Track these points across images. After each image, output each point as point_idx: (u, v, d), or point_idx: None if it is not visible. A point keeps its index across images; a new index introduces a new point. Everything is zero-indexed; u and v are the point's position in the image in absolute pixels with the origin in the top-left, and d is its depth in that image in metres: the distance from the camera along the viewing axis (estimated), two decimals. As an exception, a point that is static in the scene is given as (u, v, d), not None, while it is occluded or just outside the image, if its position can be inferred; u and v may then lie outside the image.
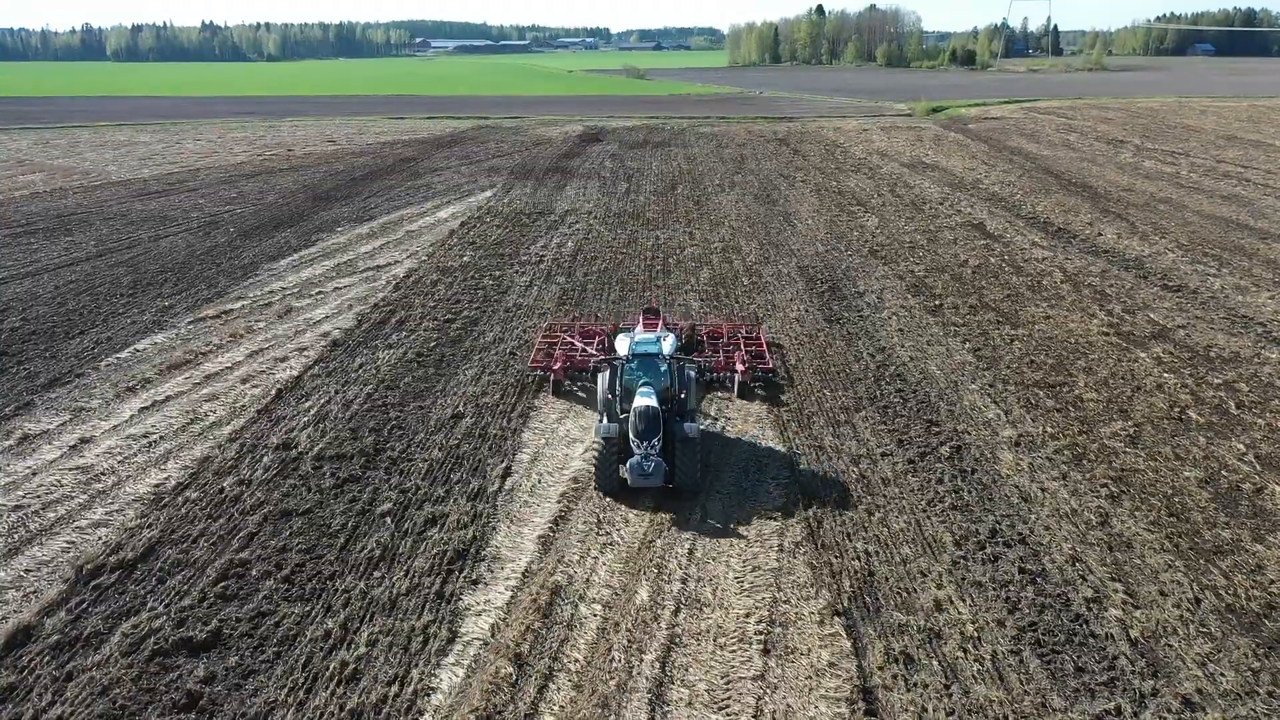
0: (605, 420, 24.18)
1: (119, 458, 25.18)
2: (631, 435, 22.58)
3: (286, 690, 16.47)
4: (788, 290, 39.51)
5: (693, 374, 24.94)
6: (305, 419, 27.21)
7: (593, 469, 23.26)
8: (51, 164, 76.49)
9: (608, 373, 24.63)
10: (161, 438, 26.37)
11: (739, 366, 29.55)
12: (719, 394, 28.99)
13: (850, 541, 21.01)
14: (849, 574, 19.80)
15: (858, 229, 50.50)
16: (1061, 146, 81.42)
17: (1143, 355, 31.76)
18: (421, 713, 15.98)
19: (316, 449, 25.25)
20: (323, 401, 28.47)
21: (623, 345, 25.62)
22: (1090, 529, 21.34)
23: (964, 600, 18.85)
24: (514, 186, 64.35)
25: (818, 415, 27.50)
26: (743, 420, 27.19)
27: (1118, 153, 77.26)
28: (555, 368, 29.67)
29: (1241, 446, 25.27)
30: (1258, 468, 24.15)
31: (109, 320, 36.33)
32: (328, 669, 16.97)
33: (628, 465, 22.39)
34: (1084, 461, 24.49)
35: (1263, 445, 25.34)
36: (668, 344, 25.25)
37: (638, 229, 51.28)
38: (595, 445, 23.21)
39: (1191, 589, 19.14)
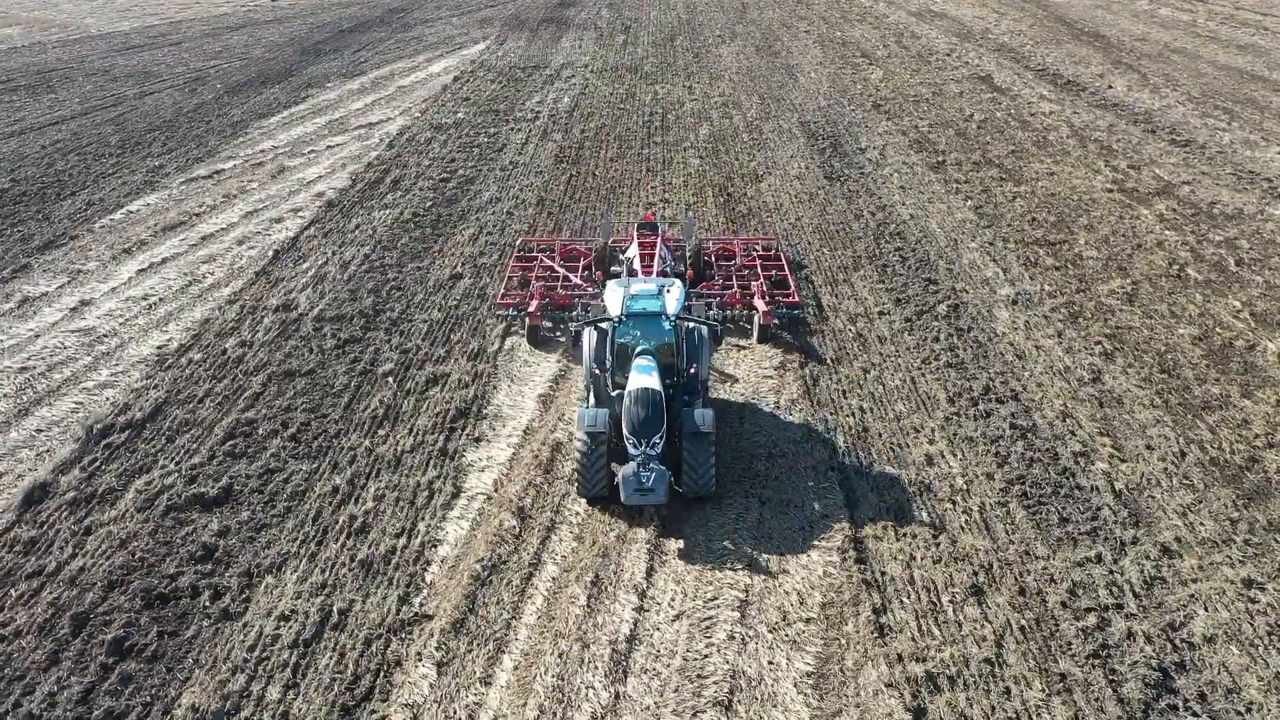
0: (591, 401, 18.84)
1: (120, 320, 25.32)
2: (625, 429, 17.41)
3: (298, 543, 17.11)
4: (788, 147, 38.79)
5: (705, 334, 19.19)
6: (304, 280, 27.20)
7: (575, 473, 18.11)
8: (27, 16, 73.70)
9: (595, 336, 19.00)
10: (161, 300, 26.44)
11: (760, 306, 23.93)
12: (734, 340, 23.80)
13: (845, 399, 21.37)
14: (843, 430, 20.24)
15: (861, 82, 49.15)
16: (1076, -7, 78.27)
17: (1145, 212, 31.48)
18: (429, 563, 16.64)
19: (316, 310, 25.35)
20: (320, 263, 28.39)
21: (614, 299, 19.51)
22: (1082, 385, 21.68)
23: (954, 454, 19.33)
24: (507, 39, 62.23)
25: (816, 274, 27.48)
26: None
27: (1134, -1, 74.37)
28: (530, 309, 23.89)
29: (1238, 304, 25.37)
30: (1252, 325, 24.32)
31: (99, 181, 35.80)
32: (337, 523, 17.57)
33: (620, 476, 17.02)
34: (1080, 319, 24.64)
35: (1259, 303, 25.44)
36: (673, 297, 19.38)
37: (636, 83, 49.93)
38: (577, 441, 17.70)
39: (1178, 443, 19.60)
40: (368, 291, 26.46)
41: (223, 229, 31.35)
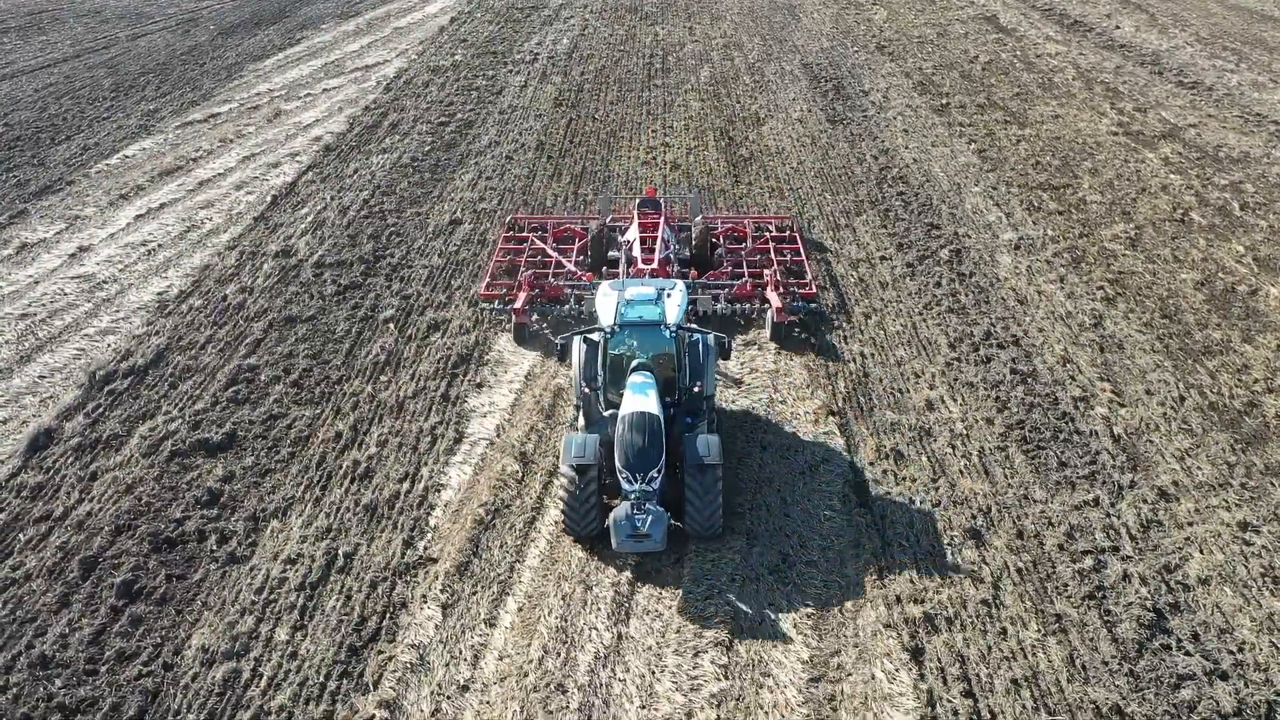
0: (581, 425, 16.86)
1: (120, 266, 25.24)
2: (618, 461, 15.30)
3: (303, 488, 17.24)
4: (791, 90, 38.29)
5: (711, 344, 17.05)
6: (302, 226, 27.05)
7: (561, 511, 15.78)
8: (15, -44, 72.23)
9: (584, 348, 16.93)
10: (160, 246, 26.33)
11: (774, 301, 21.54)
12: (743, 338, 21.64)
13: (846, 344, 21.37)
14: (844, 375, 20.28)
15: (865, 23, 48.38)
16: (1084, -70, 76.63)
17: (1150, 156, 31.18)
18: (433, 507, 16.80)
19: (316, 256, 25.24)
20: (319, 208, 28.20)
21: (607, 305, 17.17)
22: (1083, 330, 21.67)
23: (955, 400, 19.40)
24: (505, -22, 61.09)
25: (818, 219, 27.31)
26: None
27: (1144, -63, 72.82)
28: (517, 305, 21.42)
29: (1241, 248, 25.25)
30: (1255, 269, 24.24)
31: (94, 125, 35.41)
32: (341, 468, 17.69)
33: (612, 519, 14.95)
34: (1082, 264, 24.55)
35: (1262, 247, 25.32)
36: (674, 303, 17.12)
37: (635, 24, 49.15)
38: (563, 476, 15.41)
39: (1178, 388, 19.66)
40: (367, 237, 26.31)
41: (220, 174, 31.09)
